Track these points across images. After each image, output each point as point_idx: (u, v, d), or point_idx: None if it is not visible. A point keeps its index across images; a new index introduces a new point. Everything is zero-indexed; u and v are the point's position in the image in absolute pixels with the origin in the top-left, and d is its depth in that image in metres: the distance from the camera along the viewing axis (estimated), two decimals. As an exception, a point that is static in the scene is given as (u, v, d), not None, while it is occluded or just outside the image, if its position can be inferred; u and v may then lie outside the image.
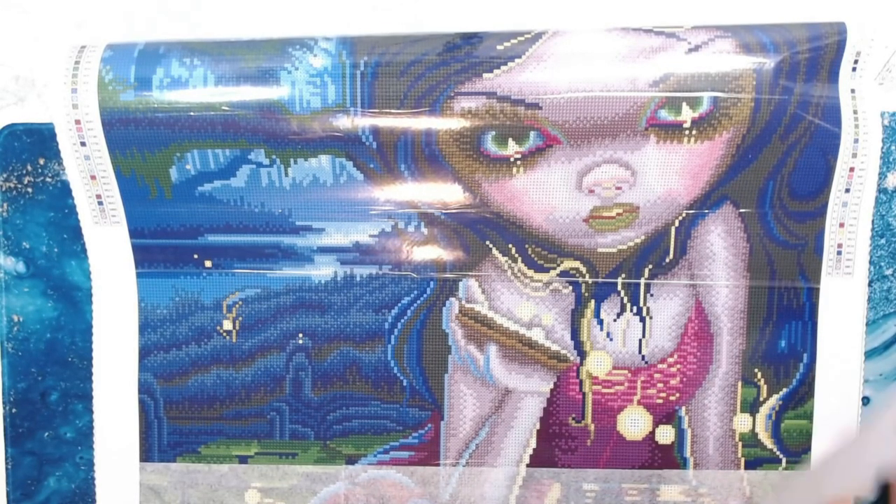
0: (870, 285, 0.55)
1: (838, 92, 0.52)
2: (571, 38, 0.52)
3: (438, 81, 0.53)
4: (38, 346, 0.58)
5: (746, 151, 0.53)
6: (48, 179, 0.56)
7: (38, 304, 0.58)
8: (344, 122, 0.53)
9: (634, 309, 0.56)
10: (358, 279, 0.56)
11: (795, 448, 0.55)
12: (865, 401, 0.55)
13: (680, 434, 0.56)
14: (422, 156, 0.54)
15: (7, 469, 0.59)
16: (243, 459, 0.58)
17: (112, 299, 0.57)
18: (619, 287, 0.56)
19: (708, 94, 0.52)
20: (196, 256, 0.56)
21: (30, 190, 0.56)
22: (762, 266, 0.55)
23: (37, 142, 0.56)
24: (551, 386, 0.57)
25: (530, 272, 0.56)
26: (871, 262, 0.55)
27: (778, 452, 0.55)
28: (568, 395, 0.57)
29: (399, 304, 0.56)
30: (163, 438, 0.58)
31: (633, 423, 0.56)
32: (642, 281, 0.55)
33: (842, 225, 0.54)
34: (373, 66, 0.53)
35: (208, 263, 0.56)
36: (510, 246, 0.55)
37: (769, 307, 0.55)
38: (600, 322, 0.56)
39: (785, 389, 0.55)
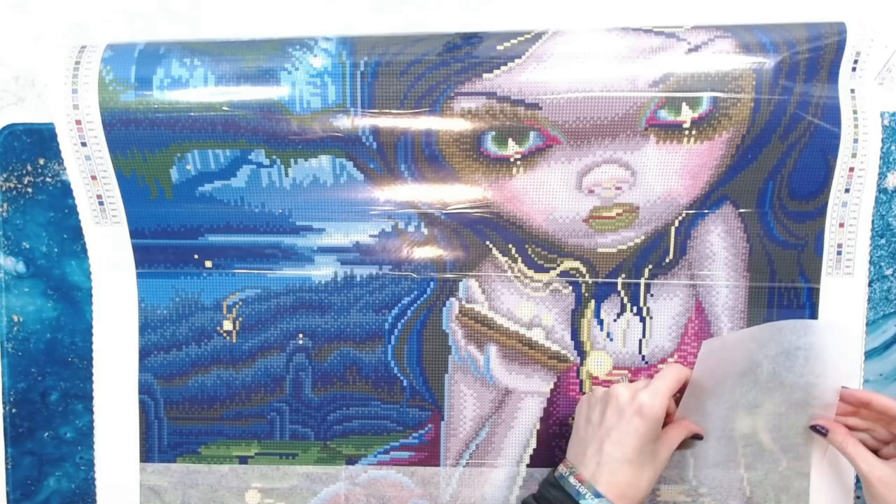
0: (870, 285, 0.55)
1: (838, 92, 0.52)
2: (571, 38, 0.52)
3: (438, 81, 0.53)
4: (38, 346, 0.58)
5: (746, 151, 0.53)
6: (48, 179, 0.56)
7: (38, 304, 0.58)
8: (344, 123, 0.53)
9: (634, 309, 0.56)
10: (358, 279, 0.56)
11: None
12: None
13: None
14: (422, 156, 0.54)
15: (7, 469, 0.59)
16: (243, 460, 0.58)
17: (112, 299, 0.57)
18: (619, 287, 0.55)
19: (708, 94, 0.52)
20: (196, 257, 0.56)
21: (30, 190, 0.56)
22: (762, 266, 0.55)
23: (37, 142, 0.56)
24: (551, 386, 0.57)
25: (530, 272, 0.56)
26: (871, 262, 0.55)
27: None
28: (568, 395, 0.57)
29: (399, 305, 0.56)
30: (163, 439, 0.58)
31: (634, 424, 0.56)
32: (642, 281, 0.55)
33: (842, 225, 0.54)
34: (373, 66, 0.53)
35: (209, 264, 0.56)
36: (510, 246, 0.55)
37: (769, 307, 0.55)
38: (600, 322, 0.56)
39: (785, 389, 0.55)
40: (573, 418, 0.57)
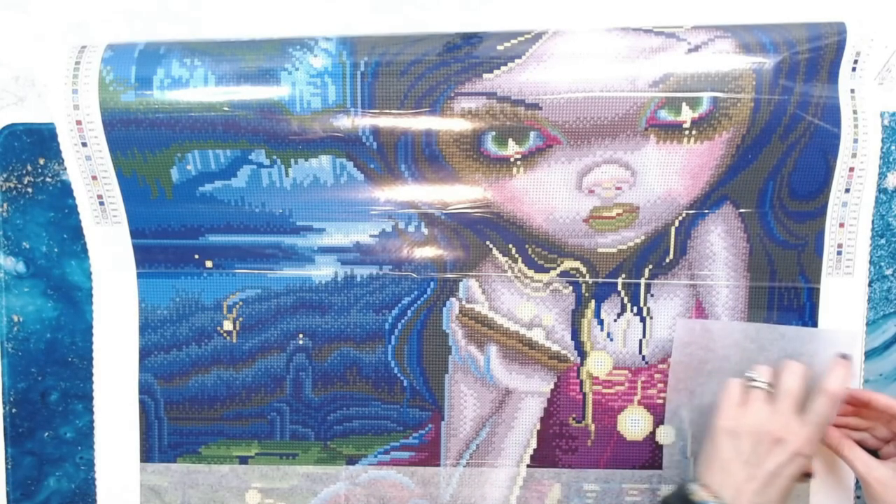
0: (870, 285, 0.55)
1: (838, 92, 0.52)
2: (571, 38, 0.52)
3: (438, 82, 0.53)
4: (38, 346, 0.58)
5: (746, 151, 0.53)
6: (48, 179, 0.56)
7: (38, 304, 0.58)
8: (344, 123, 0.53)
9: (635, 309, 0.56)
10: (358, 279, 0.56)
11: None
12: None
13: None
14: (422, 156, 0.54)
15: (7, 469, 0.59)
16: (244, 460, 0.58)
17: (112, 299, 0.57)
18: (620, 287, 0.56)
19: (708, 94, 0.52)
20: (197, 257, 0.56)
21: (30, 190, 0.56)
22: (762, 266, 0.55)
23: (37, 142, 0.56)
24: (552, 386, 0.57)
25: (531, 272, 0.56)
26: (871, 262, 0.55)
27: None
28: (568, 395, 0.57)
29: (399, 305, 0.56)
30: (163, 439, 0.58)
31: (634, 424, 0.56)
32: (642, 281, 0.55)
33: (842, 225, 0.54)
34: (373, 67, 0.53)
35: (209, 264, 0.56)
36: (510, 246, 0.55)
37: (769, 307, 0.55)
38: (601, 322, 0.56)
39: (785, 389, 0.55)
40: (574, 418, 0.57)
